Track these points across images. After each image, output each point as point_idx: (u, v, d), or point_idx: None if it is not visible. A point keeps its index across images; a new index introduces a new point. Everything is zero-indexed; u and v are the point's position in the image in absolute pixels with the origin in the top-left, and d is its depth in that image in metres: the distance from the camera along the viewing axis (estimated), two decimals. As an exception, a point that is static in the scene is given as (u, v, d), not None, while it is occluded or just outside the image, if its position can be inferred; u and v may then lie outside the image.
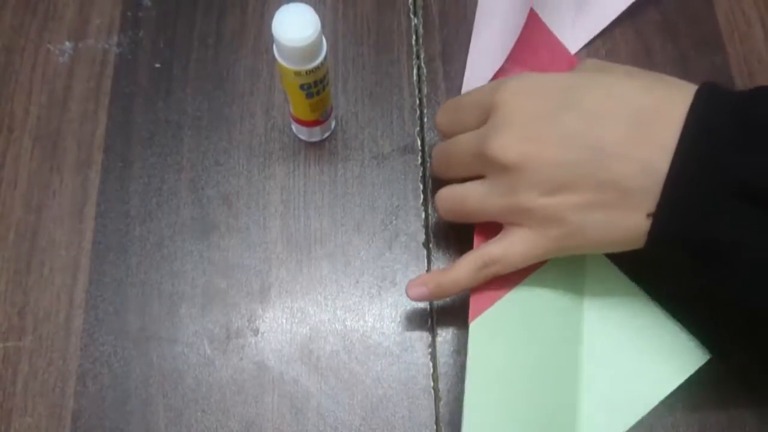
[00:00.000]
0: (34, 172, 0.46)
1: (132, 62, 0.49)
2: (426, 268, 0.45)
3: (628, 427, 0.39)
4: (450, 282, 0.40)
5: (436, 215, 0.45)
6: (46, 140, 0.47)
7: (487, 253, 0.39)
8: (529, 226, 0.37)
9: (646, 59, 0.50)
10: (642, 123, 0.33)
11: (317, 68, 0.39)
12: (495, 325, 0.40)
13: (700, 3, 0.52)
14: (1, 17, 0.50)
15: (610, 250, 0.38)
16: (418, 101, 0.49)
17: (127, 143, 0.47)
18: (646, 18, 0.50)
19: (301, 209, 0.46)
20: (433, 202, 0.44)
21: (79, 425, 0.41)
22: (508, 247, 0.38)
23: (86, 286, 0.44)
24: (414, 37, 0.51)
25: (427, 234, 0.45)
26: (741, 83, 0.49)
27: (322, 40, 0.38)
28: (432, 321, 0.44)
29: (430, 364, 0.43)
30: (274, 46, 0.38)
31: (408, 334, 0.43)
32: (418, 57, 0.50)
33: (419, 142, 0.47)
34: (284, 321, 0.43)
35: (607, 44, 0.49)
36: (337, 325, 0.43)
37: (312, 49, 0.38)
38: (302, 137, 0.47)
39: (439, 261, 0.45)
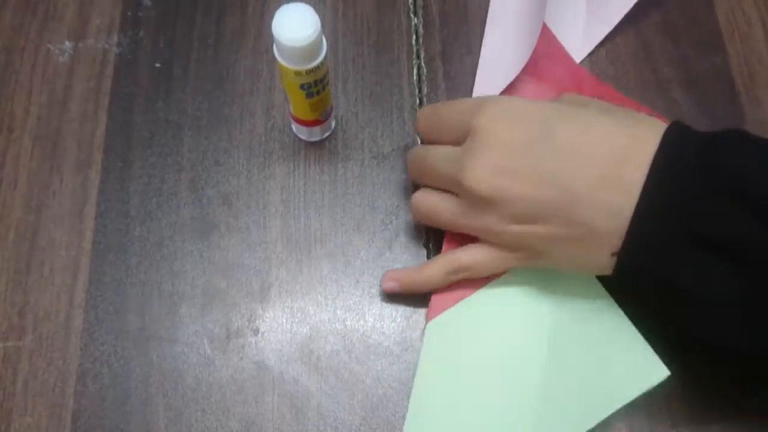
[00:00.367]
0: (34, 172, 0.46)
1: (132, 62, 0.49)
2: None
3: None
4: (421, 282, 0.42)
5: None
6: (46, 140, 0.47)
7: (457, 260, 0.40)
8: (498, 246, 0.39)
9: (646, 59, 0.50)
10: (612, 166, 0.34)
11: (317, 68, 0.39)
12: (453, 326, 0.41)
13: (701, 3, 0.51)
14: (1, 17, 0.50)
15: (578, 273, 0.40)
16: (418, 101, 0.49)
17: (127, 143, 0.47)
18: (646, 18, 0.50)
19: (301, 209, 0.46)
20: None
21: (79, 425, 0.41)
22: (477, 259, 0.40)
23: (86, 285, 0.44)
24: (414, 36, 0.51)
25: (427, 234, 0.45)
26: (741, 83, 0.49)
27: (322, 40, 0.38)
28: (432, 321, 0.44)
29: (430, 364, 0.43)
30: (274, 46, 0.38)
31: (408, 334, 0.43)
32: (418, 57, 0.50)
33: (419, 142, 0.47)
34: (284, 321, 0.43)
35: (607, 45, 0.49)
36: (337, 325, 0.43)
37: (312, 49, 0.38)
38: (302, 137, 0.47)
39: (439, 261, 0.45)
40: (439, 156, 0.40)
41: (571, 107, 0.37)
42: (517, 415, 0.39)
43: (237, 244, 0.45)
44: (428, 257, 0.45)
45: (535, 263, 0.40)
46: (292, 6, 0.37)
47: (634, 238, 0.34)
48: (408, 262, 0.44)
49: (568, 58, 0.49)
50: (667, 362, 0.38)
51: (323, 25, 0.37)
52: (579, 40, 0.49)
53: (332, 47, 0.50)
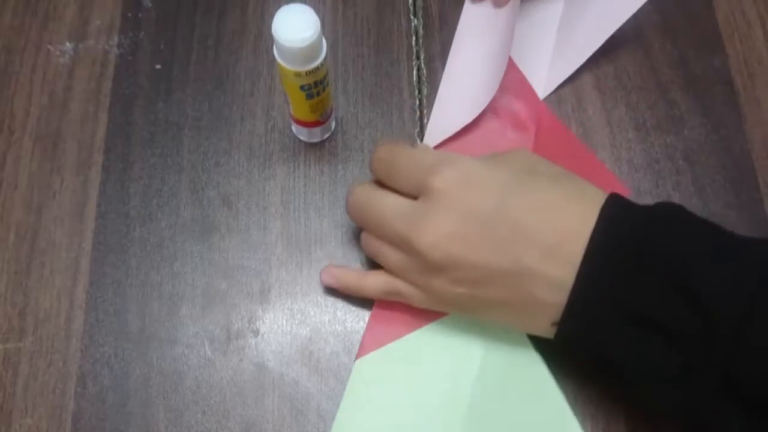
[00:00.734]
0: (35, 173, 0.46)
1: (132, 63, 0.49)
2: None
3: None
4: (357, 290, 0.42)
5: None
6: (47, 141, 0.47)
7: (397, 288, 0.40)
8: (440, 300, 0.40)
9: (645, 60, 0.50)
10: (557, 241, 0.35)
11: (317, 69, 0.39)
12: (380, 367, 0.41)
13: (700, 3, 0.52)
14: (1, 18, 0.50)
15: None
16: (418, 102, 0.49)
17: (128, 144, 0.47)
18: (646, 18, 0.50)
19: (301, 210, 0.46)
20: None
21: (80, 426, 0.41)
22: (414, 297, 0.40)
23: (86, 287, 0.44)
24: (414, 37, 0.51)
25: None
26: (741, 84, 0.49)
27: (322, 41, 0.38)
28: (432, 322, 0.44)
29: (431, 365, 0.43)
30: (274, 47, 0.38)
31: (408, 335, 0.43)
32: (418, 58, 0.50)
33: (419, 143, 0.47)
34: (284, 322, 0.43)
35: (607, 45, 0.49)
36: (337, 327, 0.43)
37: (312, 50, 0.38)
38: (302, 138, 0.47)
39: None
40: (389, 208, 0.39)
41: (524, 176, 0.38)
42: None
43: (237, 246, 0.45)
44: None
45: (467, 316, 0.41)
46: (292, 7, 0.37)
47: (572, 311, 0.35)
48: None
49: (531, 94, 0.48)
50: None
51: (323, 26, 0.37)
52: (545, 76, 0.48)
53: (332, 48, 0.50)
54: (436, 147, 0.46)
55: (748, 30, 0.51)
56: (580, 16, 0.48)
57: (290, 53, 0.37)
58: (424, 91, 0.49)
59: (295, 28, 0.36)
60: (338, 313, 0.43)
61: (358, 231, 0.45)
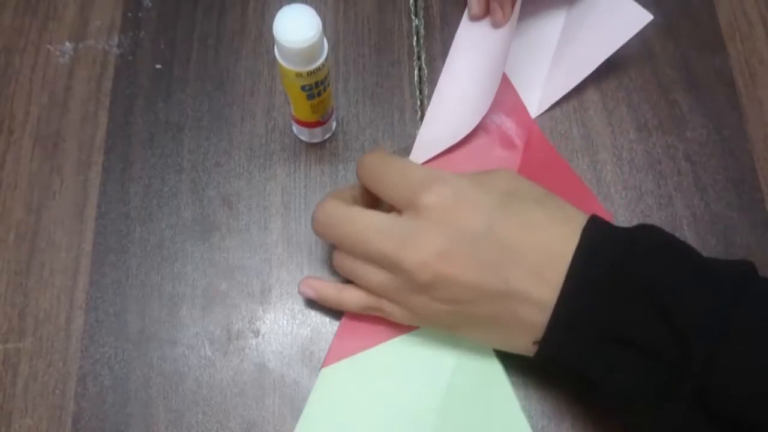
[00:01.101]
0: (35, 173, 0.46)
1: (132, 63, 0.49)
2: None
3: None
4: (335, 303, 0.42)
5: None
6: (47, 141, 0.47)
7: (378, 304, 0.40)
8: (422, 316, 0.39)
9: (647, 60, 0.50)
10: (541, 263, 0.36)
11: (318, 69, 0.39)
12: (346, 377, 0.41)
13: (702, 4, 0.51)
14: (1, 18, 0.50)
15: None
16: (419, 102, 0.49)
17: (128, 144, 0.47)
18: (648, 19, 0.50)
19: (302, 210, 0.46)
20: None
21: (80, 427, 0.41)
22: (395, 314, 0.40)
23: (86, 287, 0.44)
24: (415, 37, 0.51)
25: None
26: (742, 84, 0.49)
27: (323, 41, 0.38)
28: (433, 322, 0.43)
29: (431, 366, 0.42)
30: (275, 47, 0.38)
31: (409, 335, 0.43)
32: (419, 58, 0.50)
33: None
34: (285, 323, 0.43)
35: (609, 45, 0.49)
36: (337, 327, 0.43)
37: (313, 51, 0.38)
38: (303, 138, 0.47)
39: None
40: (371, 225, 0.38)
41: (511, 198, 0.38)
42: None
43: (238, 246, 0.45)
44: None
45: (448, 332, 0.41)
46: (293, 7, 0.37)
47: (553, 331, 0.36)
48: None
49: (523, 112, 0.48)
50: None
51: (324, 27, 0.37)
52: (538, 95, 0.48)
53: (333, 48, 0.50)
54: (423, 162, 0.46)
55: (749, 30, 0.51)
56: (578, 38, 0.48)
57: (291, 53, 0.37)
58: (425, 92, 0.49)
59: (296, 29, 0.36)
60: (339, 313, 0.43)
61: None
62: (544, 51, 0.49)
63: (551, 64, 0.49)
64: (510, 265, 0.36)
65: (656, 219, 0.45)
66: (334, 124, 0.47)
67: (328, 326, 0.43)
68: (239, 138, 0.47)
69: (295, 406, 0.41)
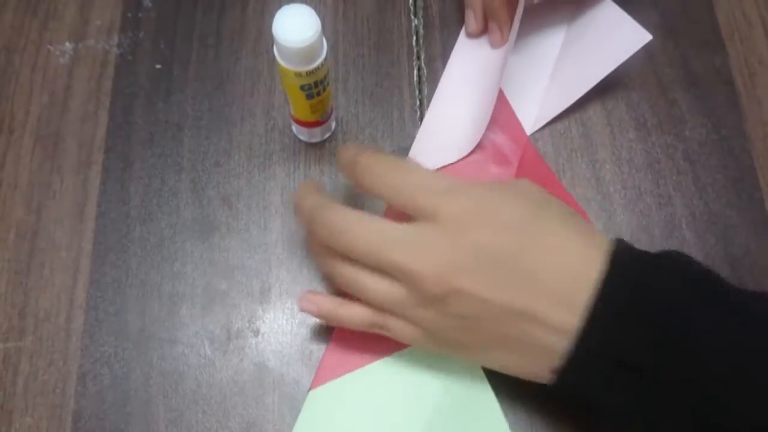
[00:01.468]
0: (35, 172, 0.46)
1: (132, 63, 0.49)
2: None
3: None
4: (337, 320, 0.40)
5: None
6: (47, 141, 0.47)
7: (384, 320, 0.38)
8: (431, 336, 0.37)
9: (647, 60, 0.50)
10: (564, 285, 0.35)
11: (317, 69, 0.39)
12: (333, 399, 0.41)
13: (701, 3, 0.52)
14: (1, 18, 0.50)
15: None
16: (418, 102, 0.49)
17: (128, 144, 0.47)
18: (646, 18, 0.50)
19: (301, 210, 0.46)
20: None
21: (80, 426, 0.41)
22: (404, 333, 0.38)
23: (86, 286, 0.44)
24: (414, 37, 0.51)
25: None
26: (741, 84, 0.49)
27: (322, 41, 0.38)
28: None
29: (431, 365, 0.42)
30: (275, 47, 0.38)
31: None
32: (418, 58, 0.50)
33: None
34: (284, 322, 0.43)
35: (608, 45, 0.49)
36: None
37: (312, 50, 0.38)
38: (302, 138, 0.47)
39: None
40: (378, 233, 0.36)
41: (535, 214, 0.36)
42: None
43: (237, 245, 0.45)
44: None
45: (460, 356, 0.38)
46: (292, 7, 0.37)
47: (575, 359, 0.34)
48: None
49: (518, 128, 0.48)
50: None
51: (323, 26, 0.37)
52: (534, 112, 0.48)
53: (332, 48, 0.50)
54: None
55: (748, 30, 0.51)
56: (576, 55, 0.48)
57: (290, 53, 0.37)
58: (425, 91, 0.49)
59: (296, 28, 0.36)
60: (338, 312, 0.43)
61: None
62: (542, 67, 0.49)
63: (548, 81, 0.49)
64: (530, 284, 0.35)
65: (655, 218, 0.45)
66: (333, 124, 0.47)
67: (328, 326, 0.43)
68: (239, 138, 0.47)
69: (294, 405, 0.41)
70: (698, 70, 0.49)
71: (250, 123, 0.48)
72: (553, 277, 0.35)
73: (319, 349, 0.42)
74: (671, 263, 0.35)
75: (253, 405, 0.41)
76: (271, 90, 0.49)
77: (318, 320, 0.43)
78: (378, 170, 0.38)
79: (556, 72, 0.49)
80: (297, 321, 0.43)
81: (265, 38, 0.50)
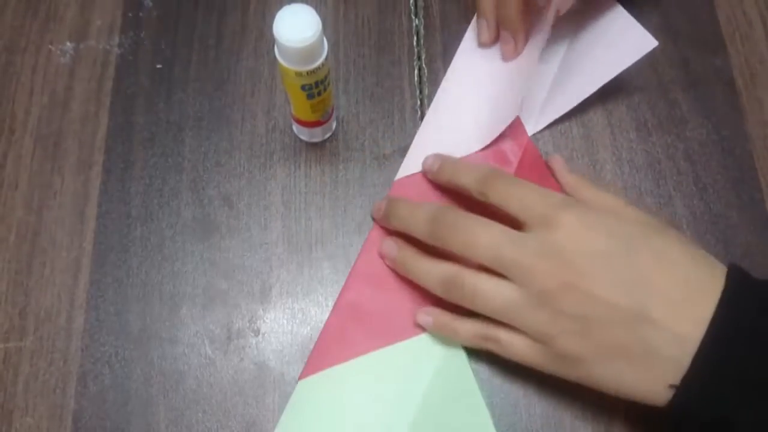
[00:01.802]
0: (35, 172, 0.46)
1: (133, 63, 0.49)
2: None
3: None
4: (448, 332, 0.41)
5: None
6: (47, 141, 0.47)
7: (495, 333, 0.39)
8: (544, 346, 0.38)
9: (647, 61, 0.49)
10: (684, 296, 0.35)
11: (318, 69, 0.39)
12: (323, 390, 0.41)
13: (701, 4, 0.52)
14: (2, 18, 0.50)
15: (617, 396, 0.37)
16: (419, 102, 0.49)
17: (129, 144, 0.47)
18: (647, 19, 0.50)
19: (302, 210, 0.46)
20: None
21: (80, 426, 0.41)
22: (515, 346, 0.38)
23: (87, 286, 0.44)
24: (415, 37, 0.51)
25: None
26: (742, 84, 0.49)
27: (323, 41, 0.38)
28: (433, 322, 0.43)
29: (431, 365, 0.42)
30: (275, 47, 0.38)
31: (409, 334, 0.43)
32: (419, 58, 0.50)
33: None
34: (285, 322, 0.43)
35: (608, 45, 0.49)
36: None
37: (313, 50, 0.38)
38: (303, 138, 0.47)
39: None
40: (506, 234, 0.38)
41: (652, 232, 0.37)
42: None
43: (238, 245, 0.45)
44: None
45: (573, 373, 0.38)
46: (293, 7, 0.37)
47: (697, 372, 0.34)
48: (409, 263, 0.44)
49: (520, 128, 0.47)
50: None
51: (324, 26, 0.37)
52: (537, 112, 0.48)
53: (333, 48, 0.50)
54: (409, 176, 0.46)
55: (749, 30, 0.51)
56: (581, 59, 0.48)
57: (291, 53, 0.37)
58: (426, 92, 0.49)
59: (296, 28, 0.36)
60: (339, 312, 0.43)
61: (359, 231, 0.45)
62: (546, 69, 0.49)
63: (552, 82, 0.48)
64: (647, 289, 0.35)
65: (656, 218, 0.45)
66: (334, 124, 0.47)
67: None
68: (240, 138, 0.47)
69: (295, 405, 0.41)
70: (699, 70, 0.49)
71: (250, 123, 0.48)
72: (672, 287, 0.35)
73: (319, 349, 0.42)
74: None
75: (254, 405, 0.41)
76: (271, 90, 0.49)
77: (318, 320, 0.43)
78: (502, 183, 0.40)
79: (560, 73, 0.49)
80: (297, 321, 0.43)
81: (266, 38, 0.50)
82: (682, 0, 0.52)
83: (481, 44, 0.49)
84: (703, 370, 0.34)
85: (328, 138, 0.47)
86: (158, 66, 0.49)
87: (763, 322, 0.34)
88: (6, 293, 0.43)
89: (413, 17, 0.51)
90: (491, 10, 0.48)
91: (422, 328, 0.42)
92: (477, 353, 0.42)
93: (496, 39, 0.49)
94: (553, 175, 0.45)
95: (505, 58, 0.48)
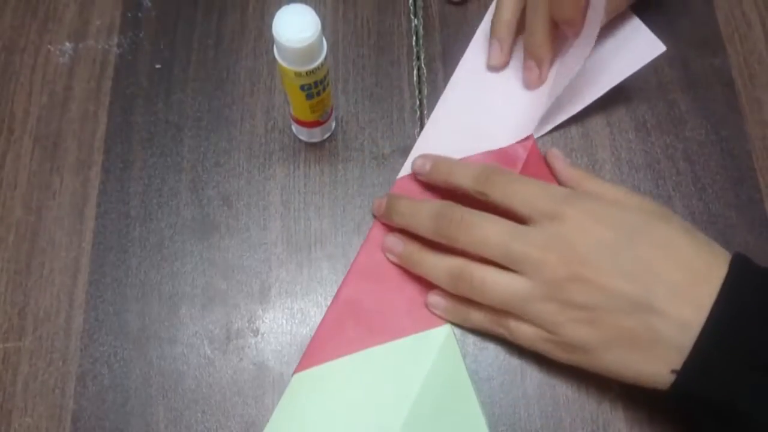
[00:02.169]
0: (35, 172, 0.46)
1: (132, 63, 0.49)
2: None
3: None
4: (464, 320, 0.42)
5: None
6: (47, 141, 0.47)
7: (506, 321, 0.40)
8: (552, 333, 0.38)
9: (646, 60, 0.50)
10: (686, 281, 0.36)
11: (317, 69, 0.39)
12: (318, 384, 0.41)
13: (700, 4, 0.52)
14: (1, 18, 0.50)
15: (622, 381, 0.38)
16: (418, 102, 0.49)
17: (128, 144, 0.47)
18: (647, 19, 0.50)
19: (301, 210, 0.46)
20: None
21: (79, 426, 0.41)
22: (523, 332, 0.39)
23: (86, 286, 0.44)
24: (414, 38, 0.51)
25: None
26: (741, 84, 0.49)
27: (322, 41, 0.38)
28: (432, 322, 0.43)
29: (430, 365, 0.42)
30: (275, 47, 0.38)
31: (408, 334, 0.43)
32: (418, 58, 0.50)
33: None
34: (284, 322, 0.43)
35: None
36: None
37: (312, 50, 0.38)
38: (302, 138, 0.47)
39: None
40: (504, 228, 0.39)
41: (655, 221, 0.38)
42: None
43: (237, 245, 0.45)
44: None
45: (580, 359, 0.39)
46: (292, 7, 0.37)
47: (699, 356, 0.34)
48: (408, 263, 0.44)
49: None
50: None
51: (324, 27, 0.37)
52: (541, 115, 0.47)
53: (332, 48, 0.50)
54: (412, 174, 0.46)
55: (748, 30, 0.51)
56: (589, 62, 0.47)
57: (290, 53, 0.37)
58: (425, 92, 0.49)
59: (296, 28, 0.36)
60: (338, 312, 0.43)
61: (358, 231, 0.45)
62: (552, 72, 0.49)
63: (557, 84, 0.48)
64: (651, 277, 0.36)
65: (655, 218, 0.45)
66: (333, 124, 0.47)
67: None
68: (239, 138, 0.47)
69: (294, 405, 0.41)
70: (698, 70, 0.49)
71: (249, 123, 0.48)
72: (676, 273, 0.36)
73: (318, 349, 0.42)
74: None
75: (253, 405, 0.41)
76: (270, 90, 0.49)
77: (317, 320, 0.43)
78: (502, 181, 0.41)
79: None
80: (296, 321, 0.43)
81: (265, 39, 0.50)
82: (682, 0, 0.52)
83: (491, 67, 0.49)
84: (704, 355, 0.34)
85: (327, 138, 0.47)
86: (157, 66, 0.49)
87: (766, 307, 0.34)
88: (5, 293, 0.43)
89: (412, 17, 0.51)
90: (508, 33, 0.47)
91: (419, 327, 0.42)
92: (477, 353, 0.42)
93: (508, 62, 0.49)
94: (553, 169, 0.45)
95: (529, 86, 0.48)
